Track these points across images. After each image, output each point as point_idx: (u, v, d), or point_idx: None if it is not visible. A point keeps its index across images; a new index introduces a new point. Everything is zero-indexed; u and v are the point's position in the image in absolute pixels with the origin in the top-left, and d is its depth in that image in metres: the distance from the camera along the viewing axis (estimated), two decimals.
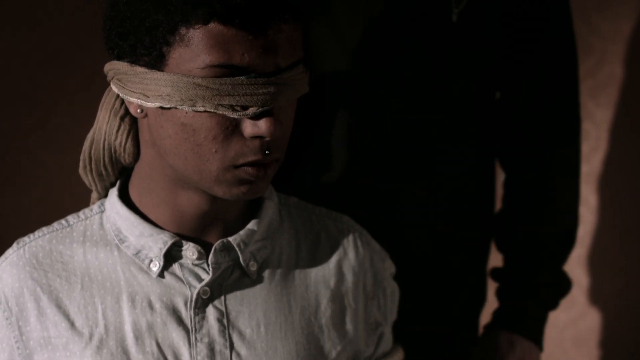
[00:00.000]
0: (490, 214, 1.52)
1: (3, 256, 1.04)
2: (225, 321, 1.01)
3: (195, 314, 1.00)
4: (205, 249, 1.01)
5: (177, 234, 1.01)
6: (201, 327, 1.01)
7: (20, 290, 1.00)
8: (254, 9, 0.88)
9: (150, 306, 1.00)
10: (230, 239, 1.01)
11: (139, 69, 0.93)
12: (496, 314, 1.50)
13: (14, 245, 1.04)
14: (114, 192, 1.05)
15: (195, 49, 0.89)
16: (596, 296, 2.18)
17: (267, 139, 0.92)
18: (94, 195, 1.11)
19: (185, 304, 1.00)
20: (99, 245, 1.03)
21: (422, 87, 1.34)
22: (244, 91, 0.89)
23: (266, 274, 1.05)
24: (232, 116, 0.91)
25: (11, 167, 1.91)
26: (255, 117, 0.91)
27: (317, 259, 1.09)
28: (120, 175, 1.07)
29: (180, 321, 1.00)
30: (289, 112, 0.96)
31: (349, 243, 1.12)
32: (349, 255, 1.11)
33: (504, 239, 1.50)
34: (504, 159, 1.50)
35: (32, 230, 1.07)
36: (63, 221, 1.06)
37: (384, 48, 1.31)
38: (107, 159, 1.05)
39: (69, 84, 1.92)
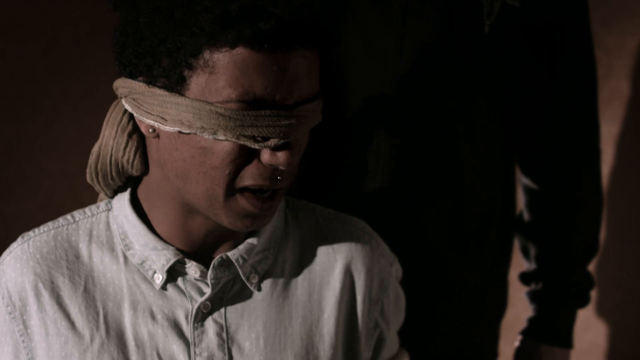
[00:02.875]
0: (512, 222, 1.54)
1: (7, 250, 1.04)
2: (224, 335, 1.01)
3: (195, 328, 1.00)
4: (207, 264, 1.01)
5: (181, 251, 1.01)
6: (201, 340, 1.01)
7: (23, 285, 1.01)
8: (281, 33, 0.86)
9: (152, 316, 1.00)
10: (229, 254, 1.01)
11: (158, 90, 0.91)
12: (533, 323, 1.55)
13: (19, 239, 1.04)
14: (125, 196, 1.04)
15: (219, 77, 0.88)
16: (599, 310, 2.18)
17: (283, 168, 0.92)
18: (102, 195, 1.11)
19: (186, 317, 1.01)
20: (105, 249, 1.03)
21: (455, 98, 1.35)
22: (266, 123, 0.89)
23: (268, 285, 1.04)
24: (252, 147, 0.90)
25: (15, 173, 1.92)
26: (275, 148, 0.91)
27: (322, 264, 1.08)
28: (128, 181, 1.06)
29: (181, 334, 1.00)
30: (302, 141, 0.95)
31: (357, 246, 1.10)
32: (356, 259, 1.10)
33: (531, 245, 1.54)
34: (527, 167, 1.52)
35: None
36: (69, 216, 1.05)
37: (417, 61, 1.32)
38: (114, 173, 1.03)
39: (72, 90, 1.93)
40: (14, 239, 1.06)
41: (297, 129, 0.91)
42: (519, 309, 2.34)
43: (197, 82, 0.88)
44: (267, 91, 0.88)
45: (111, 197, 1.08)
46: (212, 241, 1.02)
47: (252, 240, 1.02)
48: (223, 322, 1.02)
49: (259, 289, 1.04)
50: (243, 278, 1.02)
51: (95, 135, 1.08)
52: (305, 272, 1.07)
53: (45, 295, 1.00)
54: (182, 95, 0.89)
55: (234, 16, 0.85)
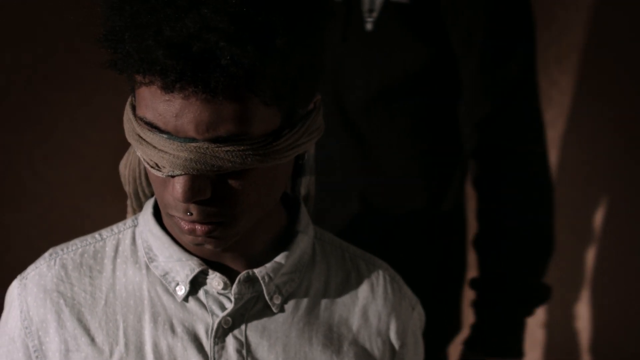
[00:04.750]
0: (463, 221, 1.55)
1: (34, 264, 1.04)
2: (244, 352, 1.01)
3: (215, 343, 1.00)
4: (231, 277, 1.01)
5: (205, 261, 1.01)
6: (220, 356, 1.00)
7: (44, 301, 1.01)
8: (167, 72, 0.81)
9: (172, 329, 1.00)
10: (256, 270, 1.00)
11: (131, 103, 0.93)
12: (476, 332, 1.51)
13: (46, 254, 1.05)
14: (148, 209, 1.05)
15: (138, 92, 0.88)
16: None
17: (180, 202, 0.88)
18: (129, 210, 1.13)
19: (206, 331, 1.00)
20: (129, 262, 1.03)
21: (349, 98, 1.39)
22: (162, 148, 0.86)
23: (290, 307, 1.04)
24: (151, 170, 0.90)
25: (13, 182, 1.91)
26: (174, 178, 0.88)
27: (343, 299, 1.07)
28: None
29: (200, 348, 1.00)
30: (234, 184, 0.89)
31: (378, 287, 1.10)
32: (377, 300, 1.09)
33: (479, 247, 1.52)
34: (475, 171, 1.52)
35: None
36: (97, 235, 1.06)
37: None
38: (144, 185, 1.07)
39: (70, 99, 1.94)
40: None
41: (195, 165, 0.85)
42: None
43: (137, 96, 0.89)
44: (161, 117, 0.85)
45: (138, 209, 1.10)
46: (233, 253, 1.02)
47: (280, 259, 1.02)
48: (243, 340, 1.01)
49: (281, 310, 1.03)
50: (266, 297, 1.01)
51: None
52: (328, 302, 1.07)
53: (66, 312, 1.00)
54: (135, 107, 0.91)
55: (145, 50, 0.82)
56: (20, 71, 1.87)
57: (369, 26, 1.35)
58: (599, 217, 2.15)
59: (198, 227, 0.91)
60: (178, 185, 0.87)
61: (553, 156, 2.14)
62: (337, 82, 1.42)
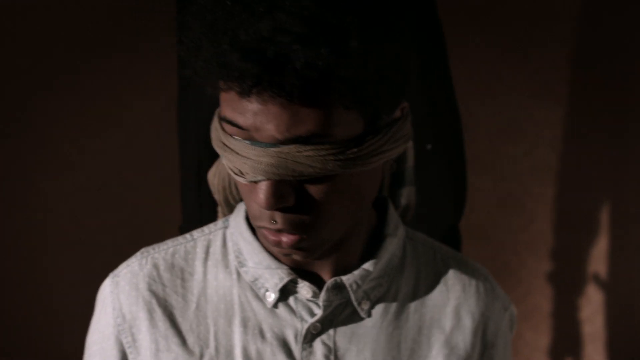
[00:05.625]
0: None
1: (125, 263, 1.05)
2: (332, 357, 1.01)
3: (304, 349, 1.01)
4: (319, 285, 1.01)
5: (293, 269, 1.01)
6: None
7: (136, 299, 1.02)
8: (244, 76, 0.82)
9: (262, 334, 1.01)
10: (344, 278, 1.00)
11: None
12: None
13: (138, 253, 1.05)
14: (241, 212, 1.05)
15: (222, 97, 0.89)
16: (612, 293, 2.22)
17: (263, 209, 0.88)
18: (220, 214, 1.14)
19: (295, 337, 1.01)
20: (220, 266, 1.04)
21: None
22: (245, 154, 0.87)
23: (378, 312, 1.04)
24: (234, 176, 0.91)
25: (10, 195, 1.93)
26: (258, 185, 0.88)
27: (435, 300, 1.07)
28: None
29: (289, 353, 1.01)
30: (318, 191, 0.89)
31: (471, 287, 1.09)
32: (470, 300, 1.09)
33: None
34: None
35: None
36: (188, 235, 1.07)
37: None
38: (234, 193, 1.08)
39: (67, 105, 1.96)
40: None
41: (277, 170, 0.85)
42: (538, 297, 2.38)
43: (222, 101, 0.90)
44: (243, 119, 0.85)
45: (228, 213, 1.10)
46: (323, 261, 1.01)
47: (368, 267, 1.01)
48: (332, 345, 1.02)
49: (370, 316, 1.03)
50: (355, 303, 1.02)
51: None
52: (418, 305, 1.06)
53: (158, 312, 1.01)
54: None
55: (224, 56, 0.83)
56: (14, 77, 1.89)
57: None
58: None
59: (284, 238, 0.91)
60: (261, 192, 0.87)
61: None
62: None
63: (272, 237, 0.92)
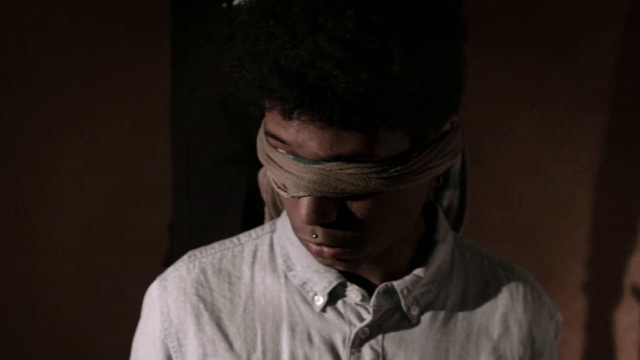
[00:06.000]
0: None
1: (173, 267, 1.05)
2: None
3: (352, 353, 1.00)
4: (368, 289, 1.00)
5: (342, 272, 1.00)
6: None
7: (184, 304, 1.02)
8: (285, 99, 0.81)
9: (309, 339, 1.00)
10: (395, 283, 0.99)
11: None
12: None
13: (185, 257, 1.06)
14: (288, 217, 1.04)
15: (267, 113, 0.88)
16: None
17: (305, 223, 0.88)
18: (267, 217, 1.14)
19: (343, 341, 1.00)
20: (267, 270, 1.03)
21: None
22: (288, 169, 0.87)
23: (427, 318, 1.03)
24: (277, 189, 0.90)
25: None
26: (300, 200, 0.88)
27: (482, 307, 1.06)
28: None
29: (337, 358, 1.00)
30: (360, 208, 0.88)
31: (518, 295, 1.09)
32: (517, 308, 1.08)
33: None
34: None
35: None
36: (235, 239, 1.07)
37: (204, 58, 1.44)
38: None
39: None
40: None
41: (318, 187, 0.85)
42: (583, 303, 2.36)
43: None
44: (286, 134, 0.85)
45: (275, 216, 1.11)
46: (372, 266, 1.01)
47: (419, 272, 1.01)
48: (380, 350, 1.01)
49: (418, 321, 1.02)
50: (404, 309, 1.01)
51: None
52: (466, 312, 1.05)
53: (206, 317, 1.01)
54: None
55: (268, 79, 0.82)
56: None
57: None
58: None
59: (325, 249, 0.91)
60: (302, 207, 0.87)
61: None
62: (226, 87, 1.45)
63: (314, 248, 0.92)
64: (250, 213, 1.48)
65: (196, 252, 1.06)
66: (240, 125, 1.47)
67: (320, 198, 0.86)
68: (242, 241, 1.07)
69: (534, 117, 2.32)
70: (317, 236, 0.89)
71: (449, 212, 1.12)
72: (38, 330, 2.35)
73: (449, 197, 1.10)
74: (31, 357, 2.35)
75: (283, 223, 1.05)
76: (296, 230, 0.92)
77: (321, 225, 0.88)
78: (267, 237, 1.06)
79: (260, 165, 1.43)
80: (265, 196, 1.12)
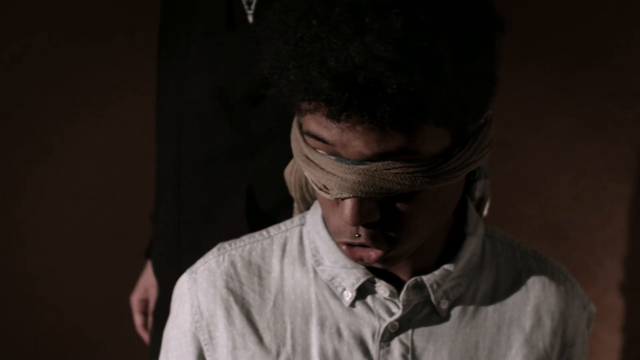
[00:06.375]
0: None
1: (202, 259, 1.06)
2: (409, 357, 1.01)
3: (381, 347, 1.00)
4: (396, 283, 1.00)
5: (370, 268, 1.00)
6: None
7: (214, 297, 1.02)
8: (333, 101, 0.80)
9: (339, 333, 1.00)
10: (424, 278, 0.99)
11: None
12: None
13: (214, 250, 1.06)
14: (318, 211, 1.05)
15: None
16: None
17: (349, 225, 0.87)
18: (296, 210, 1.14)
19: (373, 335, 1.00)
20: (296, 264, 1.03)
21: (242, 95, 1.39)
22: (330, 170, 0.86)
23: (457, 312, 1.03)
24: (318, 191, 0.90)
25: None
26: (343, 201, 0.87)
27: (514, 299, 1.06)
28: None
29: (366, 352, 1.00)
30: (404, 207, 0.88)
31: (551, 286, 1.08)
32: (550, 299, 1.07)
33: None
34: None
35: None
36: (264, 232, 1.07)
37: (203, 56, 1.39)
38: (311, 192, 1.08)
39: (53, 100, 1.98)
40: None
41: (362, 187, 0.84)
42: (614, 298, 2.34)
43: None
44: (328, 134, 0.84)
45: (305, 209, 1.10)
46: (401, 262, 1.00)
47: (448, 267, 1.00)
48: (409, 344, 1.01)
49: (448, 315, 1.02)
50: (434, 303, 1.01)
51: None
52: (497, 304, 1.05)
53: (236, 310, 1.02)
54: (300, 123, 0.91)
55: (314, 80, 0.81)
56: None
57: (250, 18, 1.36)
58: None
59: (365, 255, 0.91)
60: (347, 209, 0.86)
61: None
62: (221, 76, 1.42)
63: (352, 256, 0.92)
64: (254, 211, 1.44)
65: (225, 244, 1.06)
66: (238, 117, 1.42)
67: (364, 198, 0.86)
68: (272, 234, 1.07)
69: (565, 111, 2.31)
70: (359, 236, 0.89)
71: (480, 203, 1.12)
72: (34, 328, 2.37)
73: (481, 187, 1.09)
74: (30, 357, 2.37)
75: (313, 217, 1.05)
76: (336, 233, 0.92)
77: (363, 225, 0.88)
78: (296, 230, 1.06)
79: (259, 161, 1.41)
80: (294, 193, 1.12)
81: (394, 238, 0.90)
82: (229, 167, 1.44)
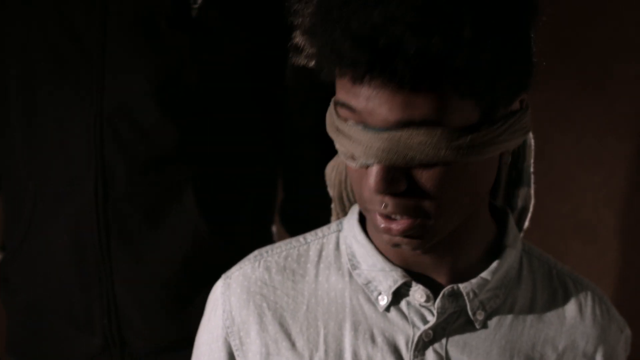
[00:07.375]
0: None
1: (238, 265, 1.06)
2: None
3: (415, 356, 0.99)
4: (433, 290, 0.99)
5: (407, 271, 0.99)
6: None
7: (247, 303, 1.02)
8: (356, 64, 0.82)
9: (372, 339, 1.00)
10: (461, 286, 0.98)
11: None
12: None
13: (251, 256, 1.06)
14: (354, 215, 1.04)
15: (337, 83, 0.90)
16: None
17: (374, 192, 0.88)
18: (334, 217, 1.14)
19: (407, 343, 0.99)
20: (332, 268, 1.03)
21: (177, 88, 1.37)
22: (357, 138, 0.87)
23: (493, 324, 1.01)
24: (345, 161, 0.91)
25: None
26: (369, 169, 0.88)
27: (550, 317, 1.04)
28: None
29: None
30: (430, 178, 0.87)
31: (587, 307, 1.06)
32: (586, 321, 1.05)
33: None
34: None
35: None
36: (301, 238, 1.07)
37: (124, 48, 1.34)
38: (349, 190, 1.09)
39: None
40: None
41: (388, 155, 0.85)
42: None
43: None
44: (357, 102, 0.86)
45: (342, 215, 1.10)
46: (436, 265, 0.99)
47: (486, 276, 0.99)
48: (443, 354, 1.00)
49: (484, 326, 1.01)
50: (470, 313, 0.99)
51: None
52: (533, 320, 1.03)
53: (269, 315, 1.01)
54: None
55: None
56: None
57: (193, 13, 1.36)
58: None
59: (394, 225, 0.90)
60: (371, 176, 0.86)
61: None
62: (163, 71, 1.38)
63: (382, 224, 0.91)
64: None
65: (262, 250, 1.06)
66: (182, 117, 1.38)
67: (390, 167, 0.86)
68: (309, 240, 1.07)
69: (597, 110, 2.29)
70: (386, 206, 0.89)
71: (522, 213, 1.11)
72: None
73: (523, 196, 1.08)
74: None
75: (349, 222, 1.05)
76: (365, 202, 0.91)
77: (391, 195, 0.88)
78: (333, 237, 1.06)
79: (206, 164, 1.40)
80: (332, 190, 1.12)
81: (421, 210, 0.89)
82: (172, 166, 1.40)
